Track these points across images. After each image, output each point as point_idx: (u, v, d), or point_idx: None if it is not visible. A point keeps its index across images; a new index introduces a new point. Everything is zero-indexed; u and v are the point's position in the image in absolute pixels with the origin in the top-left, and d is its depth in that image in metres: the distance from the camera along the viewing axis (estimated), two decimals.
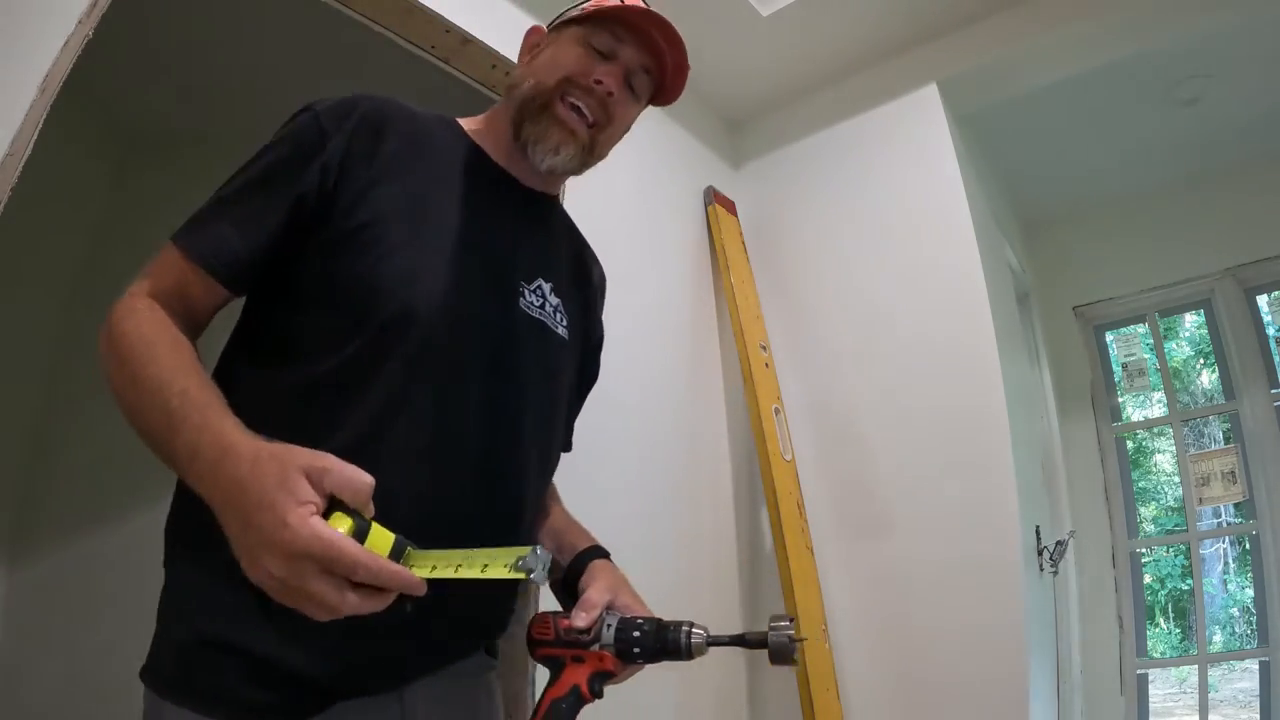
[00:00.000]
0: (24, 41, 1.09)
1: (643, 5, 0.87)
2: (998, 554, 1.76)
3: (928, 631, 1.81)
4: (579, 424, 1.83)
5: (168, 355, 0.67)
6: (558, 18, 0.91)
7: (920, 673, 1.80)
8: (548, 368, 0.85)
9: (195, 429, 0.59)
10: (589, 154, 0.87)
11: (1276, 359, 2.51)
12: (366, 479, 0.55)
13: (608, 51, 0.86)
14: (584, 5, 0.89)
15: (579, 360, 0.97)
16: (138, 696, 0.69)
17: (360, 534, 0.53)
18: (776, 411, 2.08)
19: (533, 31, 0.93)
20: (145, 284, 0.74)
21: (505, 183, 0.88)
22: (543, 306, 0.85)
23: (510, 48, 1.81)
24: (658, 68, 0.89)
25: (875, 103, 2.30)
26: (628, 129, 0.93)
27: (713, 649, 0.75)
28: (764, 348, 2.19)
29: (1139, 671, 2.48)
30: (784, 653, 0.75)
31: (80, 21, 1.14)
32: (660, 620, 0.76)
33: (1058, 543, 2.07)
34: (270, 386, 0.73)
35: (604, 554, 0.90)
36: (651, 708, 1.73)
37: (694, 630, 0.75)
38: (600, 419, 1.82)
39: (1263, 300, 2.64)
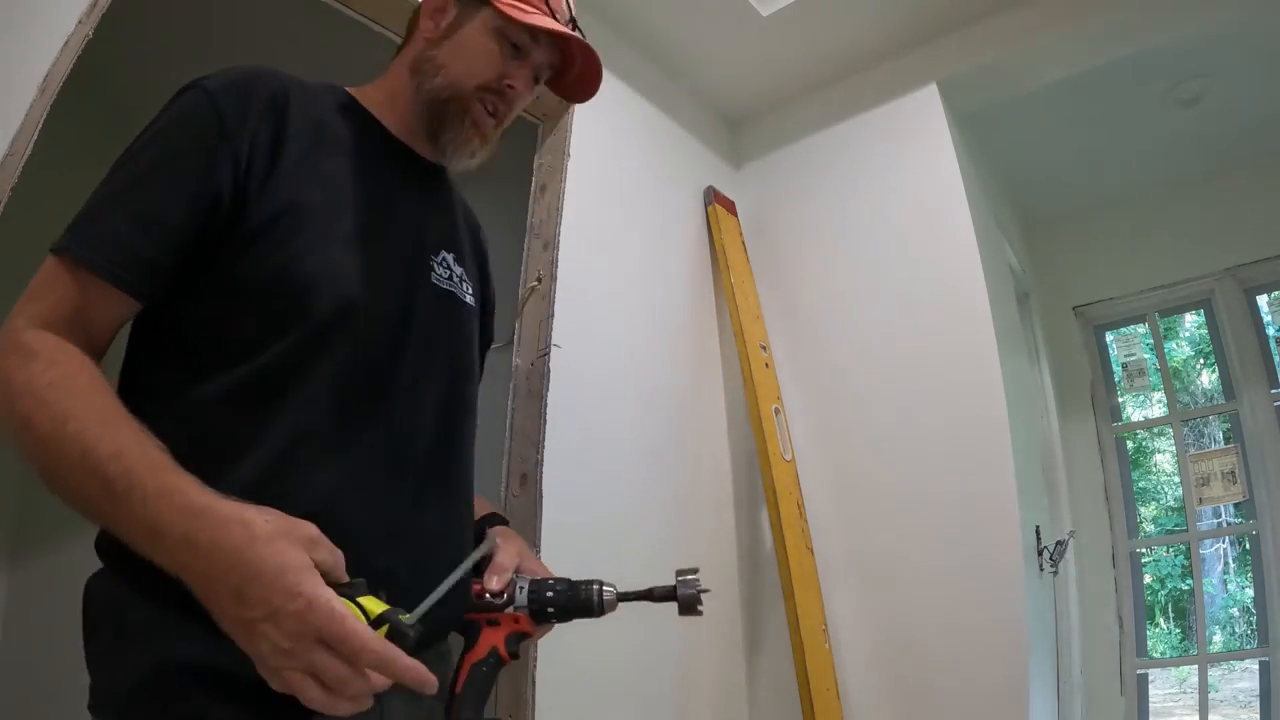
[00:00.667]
0: (24, 41, 1.09)
1: (560, 24, 0.85)
2: (998, 554, 1.76)
3: (928, 631, 1.81)
4: (579, 425, 1.84)
5: (84, 406, 0.58)
6: None
7: (920, 673, 1.80)
8: (463, 336, 0.86)
9: (149, 500, 0.53)
10: (489, 146, 0.88)
11: (1276, 359, 2.51)
12: (338, 552, 0.55)
13: (521, 46, 0.84)
14: None
15: (480, 325, 0.96)
16: None
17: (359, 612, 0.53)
18: (776, 411, 2.08)
19: None
20: (31, 311, 0.64)
21: (406, 157, 0.86)
22: (450, 277, 0.85)
23: None
24: (563, 67, 0.91)
25: (875, 103, 2.30)
26: None
27: (623, 604, 0.80)
28: (764, 348, 2.19)
29: (1139, 671, 2.48)
30: (691, 604, 0.80)
31: (80, 21, 1.14)
32: (571, 580, 0.79)
33: (1058, 543, 2.07)
34: (188, 395, 0.66)
35: (503, 521, 0.92)
36: (652, 708, 1.73)
37: (605, 588, 0.78)
38: (600, 419, 1.83)
39: (1263, 300, 2.64)
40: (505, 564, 0.78)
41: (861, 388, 2.09)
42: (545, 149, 1.96)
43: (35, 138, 1.06)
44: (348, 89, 0.86)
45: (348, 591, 0.53)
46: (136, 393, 0.66)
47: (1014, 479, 1.79)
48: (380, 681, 0.51)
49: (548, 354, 1.71)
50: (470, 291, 0.89)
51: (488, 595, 0.76)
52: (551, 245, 1.82)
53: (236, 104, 0.72)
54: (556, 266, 1.79)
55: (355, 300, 0.71)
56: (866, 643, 1.89)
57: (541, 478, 1.60)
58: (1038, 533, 1.98)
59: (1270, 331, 2.61)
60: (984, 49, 2.15)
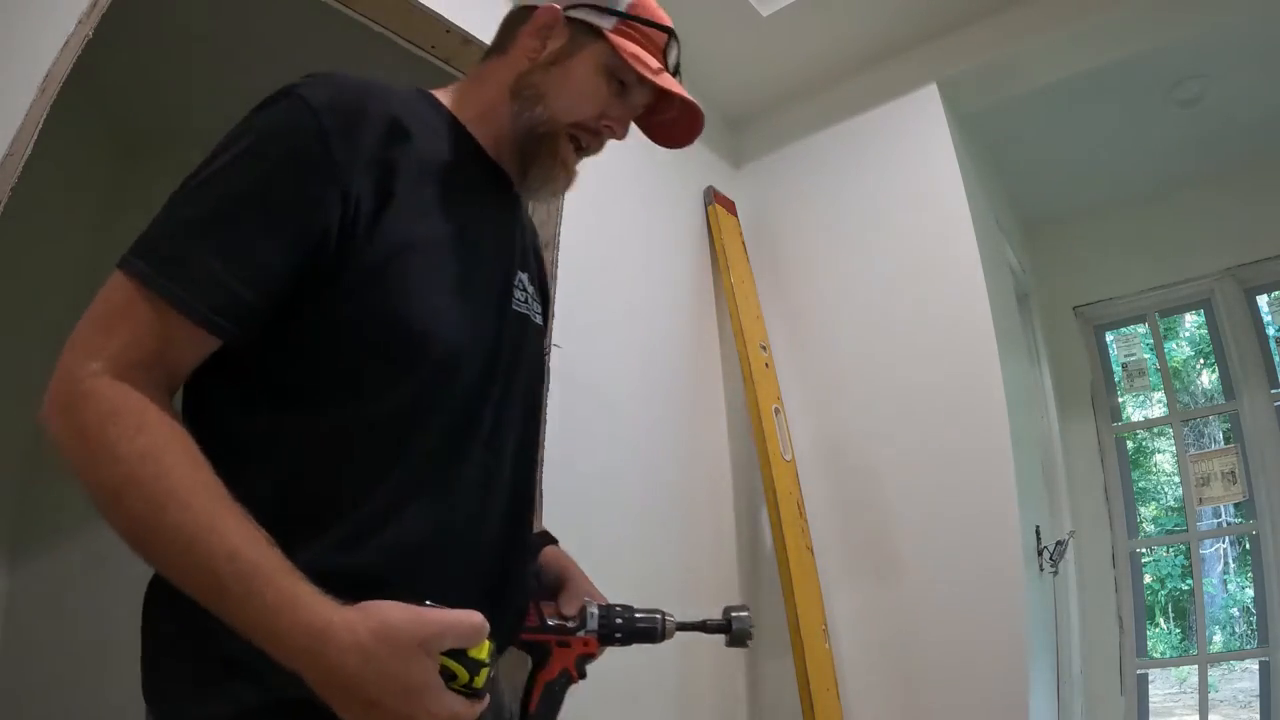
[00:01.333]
0: (24, 41, 1.09)
1: (670, 76, 0.83)
2: (998, 554, 1.76)
3: (928, 631, 1.81)
4: (581, 424, 1.84)
5: (185, 488, 0.54)
6: (582, 3, 0.81)
7: (920, 673, 1.80)
8: (537, 358, 0.85)
9: (268, 611, 0.51)
10: (573, 182, 0.86)
11: (1276, 359, 2.51)
12: (478, 621, 0.55)
13: (628, 85, 0.81)
14: (623, 2, 0.81)
15: None
16: (138, 696, 0.68)
17: (474, 670, 0.55)
18: (776, 411, 2.08)
19: (547, 12, 0.80)
20: (106, 350, 0.57)
21: (496, 177, 0.82)
22: (525, 300, 0.82)
23: None
24: (655, 108, 0.87)
25: (875, 103, 2.30)
26: None
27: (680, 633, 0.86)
28: (764, 348, 2.19)
29: (1139, 671, 2.48)
30: (742, 638, 0.88)
31: (80, 21, 1.14)
32: (634, 607, 0.85)
33: (1058, 543, 2.06)
34: (279, 440, 0.64)
35: (554, 540, 0.94)
36: (653, 709, 1.73)
37: (667, 617, 0.85)
38: (601, 419, 1.83)
39: (1263, 300, 2.64)
40: (578, 590, 0.84)
41: (861, 387, 2.09)
42: None
43: (35, 138, 1.06)
44: (437, 94, 0.81)
45: (471, 663, 0.55)
46: (209, 432, 0.60)
47: (1014, 479, 1.79)
48: None
49: (548, 354, 1.71)
50: (538, 311, 0.86)
51: (561, 619, 0.82)
52: (551, 245, 1.82)
53: (344, 128, 0.65)
54: (556, 266, 1.79)
55: (462, 348, 0.70)
56: (866, 643, 1.89)
57: (541, 478, 1.60)
58: (1038, 533, 1.98)
59: (1270, 331, 2.61)
60: (984, 49, 2.15)
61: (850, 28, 2.20)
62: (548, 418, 1.66)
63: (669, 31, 0.83)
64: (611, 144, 0.88)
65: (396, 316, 0.65)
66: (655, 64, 0.80)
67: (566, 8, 0.81)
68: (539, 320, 0.86)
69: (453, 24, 1.67)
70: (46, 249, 2.25)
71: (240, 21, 2.06)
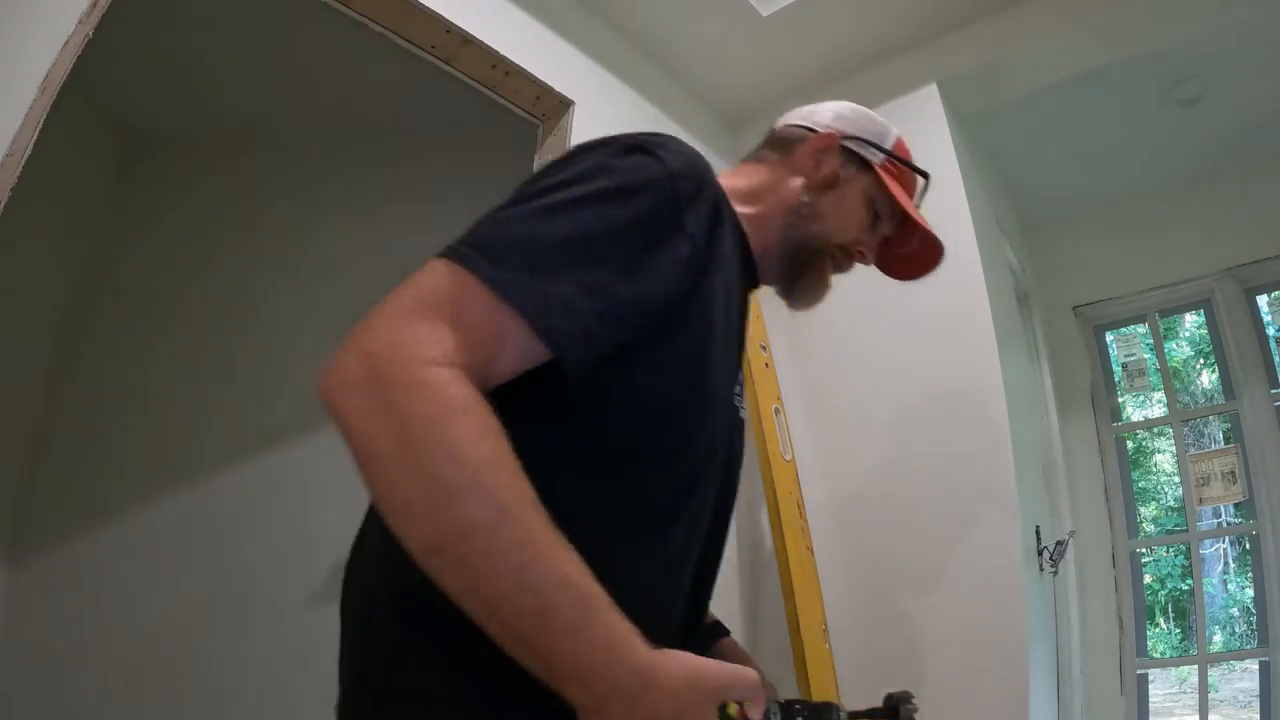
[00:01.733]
0: (24, 41, 1.09)
1: (929, 227, 0.95)
2: (998, 554, 1.76)
3: (928, 631, 1.81)
4: None
5: (521, 506, 0.50)
6: (857, 134, 0.90)
7: (920, 673, 1.80)
8: (742, 452, 0.87)
9: (597, 646, 0.50)
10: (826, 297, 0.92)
11: (1276, 359, 2.51)
12: (754, 677, 0.57)
13: (881, 217, 0.91)
14: (886, 139, 0.91)
15: None
16: (138, 696, 0.68)
17: None
18: (776, 411, 2.08)
19: (827, 138, 0.88)
20: (447, 340, 0.53)
21: (753, 277, 0.85)
22: (740, 396, 0.83)
23: (511, 48, 1.81)
24: (896, 240, 0.96)
25: (875, 103, 2.29)
26: None
27: None
28: (764, 348, 2.19)
29: (1139, 671, 2.47)
30: None
31: (80, 21, 1.14)
32: (810, 703, 0.81)
33: (1058, 543, 2.06)
34: (601, 499, 0.63)
35: (727, 631, 0.96)
36: None
37: (840, 710, 0.80)
38: None
39: (1263, 300, 2.64)
40: (764, 689, 0.82)
41: (861, 388, 2.09)
42: (545, 149, 1.96)
43: (35, 138, 1.06)
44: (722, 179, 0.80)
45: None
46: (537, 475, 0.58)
47: (1014, 479, 1.79)
48: None
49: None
50: (743, 404, 0.87)
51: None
52: None
53: (692, 198, 0.66)
54: None
55: (718, 446, 0.73)
56: (867, 643, 1.89)
57: None
58: (1038, 533, 1.98)
59: (1270, 331, 2.60)
60: (984, 49, 2.15)
61: (850, 27, 2.20)
62: None
63: (926, 176, 0.97)
64: None
65: (689, 391, 0.67)
66: (907, 189, 0.91)
67: (844, 136, 0.89)
68: (744, 415, 0.87)
69: (453, 24, 1.67)
70: (46, 249, 2.25)
71: (240, 22, 2.06)
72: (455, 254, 0.57)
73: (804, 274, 0.87)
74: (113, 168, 2.53)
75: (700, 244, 0.66)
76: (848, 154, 0.89)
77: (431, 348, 0.52)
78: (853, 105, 0.95)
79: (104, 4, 1.17)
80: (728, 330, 0.73)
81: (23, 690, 2.03)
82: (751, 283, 0.85)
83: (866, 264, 0.94)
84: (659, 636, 0.59)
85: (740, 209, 0.82)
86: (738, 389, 0.81)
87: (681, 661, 0.53)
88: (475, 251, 0.57)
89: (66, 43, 1.12)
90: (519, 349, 0.57)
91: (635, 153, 0.66)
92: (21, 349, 2.23)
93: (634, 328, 0.62)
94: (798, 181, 0.87)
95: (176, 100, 2.36)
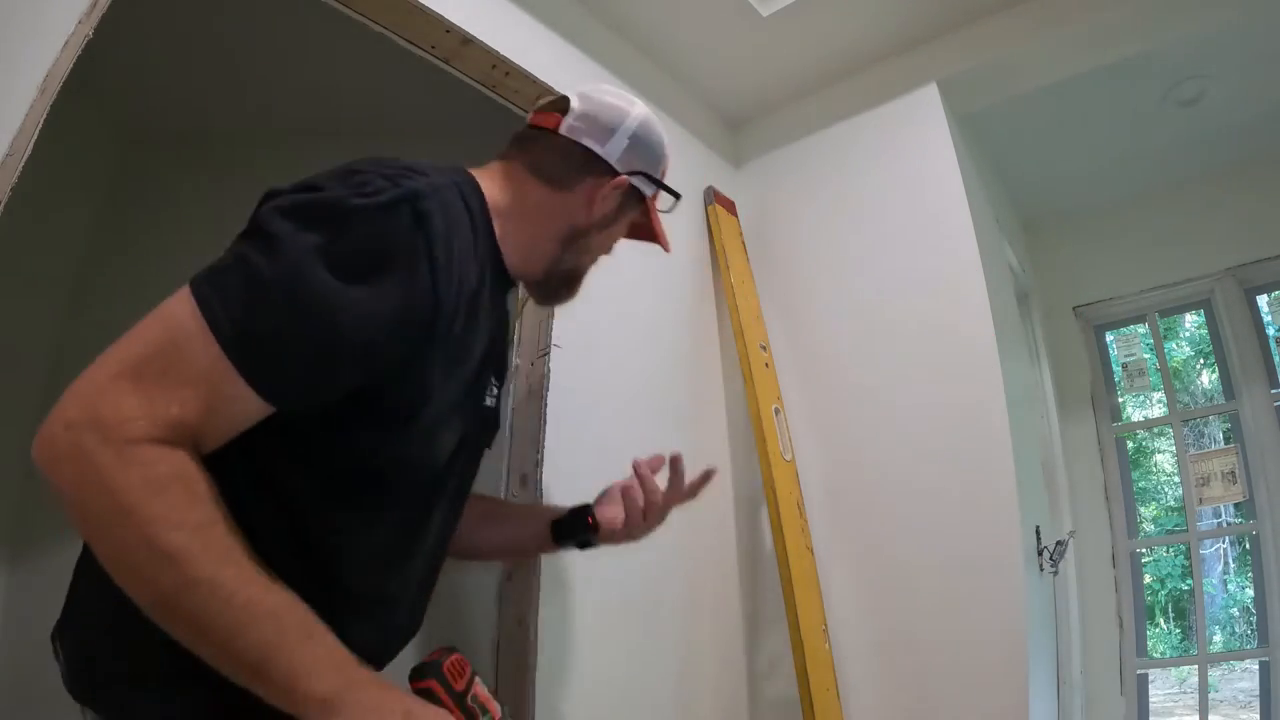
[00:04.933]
0: (24, 41, 1.09)
1: (667, 244, 1.02)
2: (998, 554, 1.76)
3: (928, 631, 1.81)
4: (581, 425, 1.84)
5: (230, 561, 0.58)
6: (639, 170, 0.93)
7: (920, 673, 1.80)
8: (488, 441, 0.92)
9: (332, 679, 0.59)
10: None
11: (1276, 359, 2.51)
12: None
13: (636, 233, 0.98)
14: (659, 165, 0.97)
15: None
16: None
17: None
18: (776, 411, 2.08)
19: (619, 185, 0.91)
20: (159, 404, 0.57)
21: (507, 284, 0.88)
22: (494, 394, 0.90)
23: (510, 48, 1.81)
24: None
25: (875, 103, 2.30)
26: None
27: None
28: (764, 348, 2.19)
29: (1139, 671, 2.48)
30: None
31: (80, 21, 1.14)
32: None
33: (1058, 543, 2.06)
34: (290, 502, 0.69)
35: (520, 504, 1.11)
36: (652, 708, 1.73)
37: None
38: (600, 419, 1.83)
39: (1263, 300, 2.64)
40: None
41: (861, 387, 2.09)
42: None
43: (35, 138, 1.06)
44: (481, 179, 0.83)
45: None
46: (234, 479, 0.64)
47: (1014, 479, 1.79)
48: None
49: (548, 354, 1.71)
50: (496, 393, 0.92)
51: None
52: None
53: (446, 264, 0.68)
54: None
55: (439, 464, 0.80)
56: (866, 643, 1.89)
57: (541, 478, 1.60)
58: (1038, 533, 1.98)
59: (1270, 331, 2.60)
60: (984, 49, 2.15)
61: (850, 28, 2.20)
62: (548, 418, 1.66)
63: (678, 196, 1.01)
64: None
65: (398, 450, 0.72)
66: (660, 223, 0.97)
67: (631, 173, 0.90)
68: (495, 404, 0.92)
69: (453, 24, 1.67)
70: (46, 249, 2.25)
71: (240, 21, 2.06)
72: (199, 298, 0.60)
73: (567, 292, 0.93)
74: (113, 168, 2.53)
75: (446, 313, 0.70)
76: (629, 189, 0.91)
77: (136, 425, 0.56)
78: (646, 121, 0.94)
79: (104, 4, 1.17)
80: (470, 360, 0.78)
81: (23, 690, 2.02)
82: (508, 287, 0.89)
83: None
84: (404, 590, 0.80)
85: (501, 224, 0.83)
86: (493, 384, 0.87)
87: (403, 695, 0.63)
88: (215, 298, 0.60)
89: (66, 43, 1.12)
90: (248, 408, 0.61)
91: (399, 206, 0.67)
92: (22, 349, 2.23)
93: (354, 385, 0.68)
94: (576, 217, 0.88)
95: (177, 100, 2.36)
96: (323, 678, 0.58)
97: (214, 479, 0.60)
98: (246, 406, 0.61)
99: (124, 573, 0.56)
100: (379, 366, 0.65)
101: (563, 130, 0.89)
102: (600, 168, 0.89)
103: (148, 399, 0.56)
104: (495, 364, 0.88)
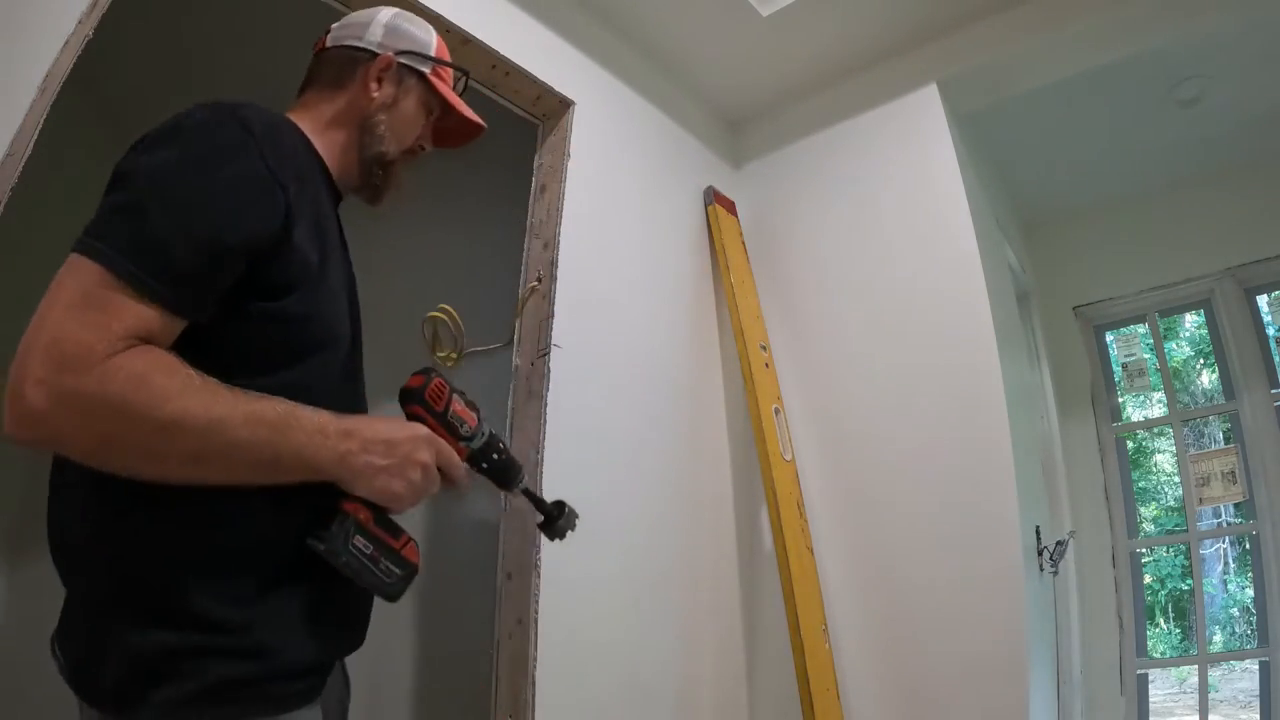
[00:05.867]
0: (24, 41, 1.09)
1: (470, 113, 1.05)
2: (998, 554, 1.76)
3: (928, 631, 1.81)
4: (581, 425, 1.84)
5: (224, 397, 0.69)
6: (406, 50, 1.00)
7: (920, 673, 1.80)
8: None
9: (327, 436, 0.72)
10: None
11: (1276, 359, 2.51)
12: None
13: (434, 110, 1.03)
14: (429, 47, 1.02)
15: None
16: None
17: None
18: (776, 411, 2.08)
19: (385, 61, 0.98)
20: (110, 329, 0.66)
21: (336, 193, 0.98)
22: (353, 277, 0.98)
23: (511, 48, 1.81)
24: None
25: (875, 103, 2.30)
26: None
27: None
28: (764, 348, 2.19)
29: (1139, 671, 2.48)
30: (564, 530, 0.93)
31: (80, 21, 1.14)
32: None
33: (1058, 543, 2.06)
34: (292, 370, 0.80)
35: None
36: (652, 708, 1.73)
37: (525, 473, 0.94)
38: (600, 419, 1.83)
39: (1263, 300, 2.64)
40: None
41: (861, 387, 2.09)
42: (545, 149, 1.96)
43: (35, 138, 1.06)
44: (301, 128, 0.92)
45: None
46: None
47: (1014, 479, 1.79)
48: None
49: (548, 354, 1.71)
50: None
51: (461, 419, 0.90)
52: (551, 245, 1.82)
53: (274, 151, 0.79)
54: (556, 267, 1.79)
55: (346, 334, 0.89)
56: (866, 643, 1.89)
57: (541, 477, 1.60)
58: (1038, 533, 1.98)
59: (1270, 331, 2.61)
60: (984, 49, 2.15)
61: (850, 28, 2.20)
62: (548, 418, 1.66)
63: (467, 73, 1.08)
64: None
65: (297, 310, 0.80)
66: (447, 79, 1.03)
67: (397, 53, 0.99)
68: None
69: (452, 24, 1.67)
70: (46, 248, 2.25)
71: (240, 21, 2.07)
72: (89, 249, 0.70)
73: (384, 183, 0.99)
74: (112, 167, 2.53)
75: (292, 190, 0.79)
76: (402, 68, 0.99)
77: (99, 347, 0.64)
78: (397, 12, 1.03)
79: (104, 4, 1.17)
80: (327, 243, 0.87)
81: (23, 690, 2.03)
82: (338, 198, 0.98)
83: (426, 150, 1.05)
84: None
85: (326, 150, 0.95)
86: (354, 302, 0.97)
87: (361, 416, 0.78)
88: (123, 254, 0.70)
89: (66, 43, 1.12)
90: (166, 327, 0.70)
91: (222, 119, 0.79)
92: None
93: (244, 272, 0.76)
94: (361, 105, 0.97)
95: (178, 100, 2.36)
96: (326, 443, 0.72)
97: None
98: (168, 323, 0.70)
99: (154, 463, 0.66)
100: (259, 231, 0.75)
101: (329, 43, 1.01)
102: (366, 57, 0.98)
103: (96, 325, 0.65)
104: (348, 271, 0.96)
